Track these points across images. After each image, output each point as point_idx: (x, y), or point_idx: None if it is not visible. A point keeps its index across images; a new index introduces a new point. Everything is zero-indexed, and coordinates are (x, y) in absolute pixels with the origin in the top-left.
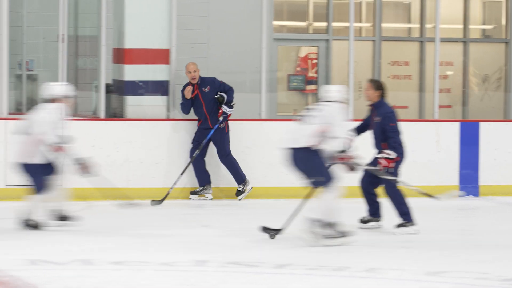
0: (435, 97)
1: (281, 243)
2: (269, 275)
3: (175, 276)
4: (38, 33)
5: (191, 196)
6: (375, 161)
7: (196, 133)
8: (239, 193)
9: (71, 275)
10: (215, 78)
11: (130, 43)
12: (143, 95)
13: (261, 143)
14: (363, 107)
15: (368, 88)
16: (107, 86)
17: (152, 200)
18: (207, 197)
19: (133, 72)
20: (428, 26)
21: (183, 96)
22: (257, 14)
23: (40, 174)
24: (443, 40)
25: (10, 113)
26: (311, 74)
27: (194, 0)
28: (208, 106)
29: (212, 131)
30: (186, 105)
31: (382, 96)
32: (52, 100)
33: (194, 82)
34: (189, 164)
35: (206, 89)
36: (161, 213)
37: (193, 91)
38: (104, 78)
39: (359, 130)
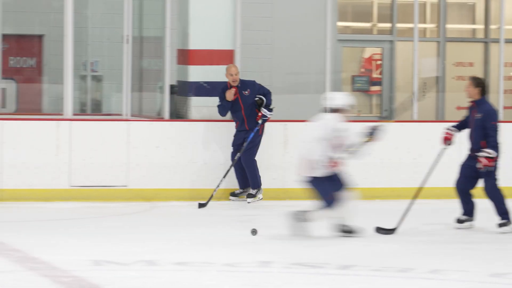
0: (500, 98)
1: (345, 244)
2: (333, 276)
3: (239, 276)
4: (102, 34)
5: (231, 198)
6: (471, 159)
7: (234, 136)
8: (250, 195)
9: (135, 276)
10: (254, 81)
11: (194, 44)
12: (207, 96)
13: None
14: (428, 107)
15: (468, 85)
16: (172, 87)
17: (199, 203)
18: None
19: (197, 73)
20: (492, 27)
21: (221, 97)
22: (322, 15)
23: (326, 187)
24: (508, 41)
25: (74, 114)
26: (375, 75)
27: (258, 1)
28: (246, 109)
29: (252, 134)
30: (226, 107)
31: (483, 93)
32: (334, 110)
33: (235, 84)
34: (230, 167)
35: (246, 92)
36: (220, 213)
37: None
38: (169, 79)
39: (460, 127)
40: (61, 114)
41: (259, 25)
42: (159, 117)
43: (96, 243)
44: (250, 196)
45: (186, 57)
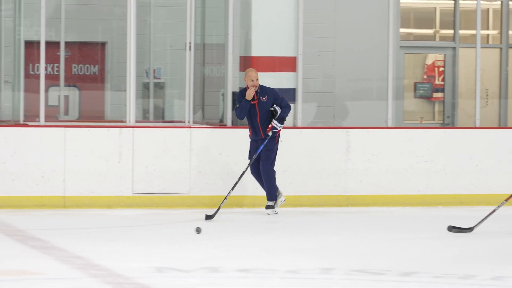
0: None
1: (407, 250)
2: (395, 283)
3: (301, 283)
4: (165, 41)
5: (268, 212)
6: None
7: (250, 147)
8: (269, 207)
9: (197, 283)
10: (275, 90)
11: (257, 51)
12: None
13: (387, 151)
14: (490, 114)
15: None
16: (234, 94)
17: (206, 215)
18: (281, 201)
19: (260, 80)
20: None
21: (239, 99)
22: (384, 21)
23: None
24: None
25: (137, 121)
26: (438, 81)
27: (320, 8)
28: (262, 116)
29: (262, 146)
30: (245, 108)
31: None
32: None
33: (255, 89)
34: (240, 178)
35: (264, 98)
36: (282, 220)
37: (252, 99)
38: (231, 86)
39: None
40: (124, 121)
41: (321, 32)
42: (221, 124)
43: (158, 250)
44: (269, 207)
45: (248, 64)
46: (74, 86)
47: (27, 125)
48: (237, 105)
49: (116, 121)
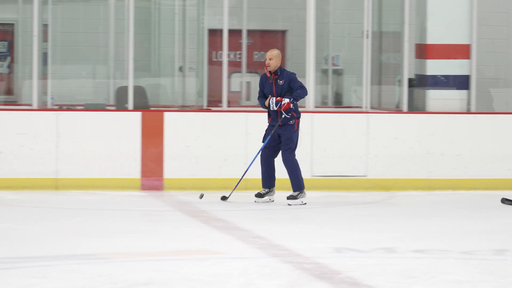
0: None
1: None
2: None
3: (474, 264)
4: (343, 29)
5: (256, 200)
6: None
7: (266, 130)
8: (291, 197)
9: (375, 263)
10: (293, 73)
11: (432, 39)
12: (444, 89)
13: None
14: None
15: None
16: (410, 81)
17: (222, 196)
18: (270, 200)
19: (435, 67)
20: None
21: (261, 83)
22: None
23: None
24: None
25: (316, 106)
26: None
27: None
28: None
29: (271, 132)
30: (261, 102)
31: None
32: None
33: (269, 70)
34: (252, 162)
35: (281, 82)
36: (447, 201)
37: (271, 78)
38: (407, 73)
39: None
40: (303, 107)
41: (495, 20)
42: (397, 110)
43: (337, 231)
44: (291, 197)
45: (424, 51)
46: (256, 72)
47: (210, 110)
48: (259, 89)
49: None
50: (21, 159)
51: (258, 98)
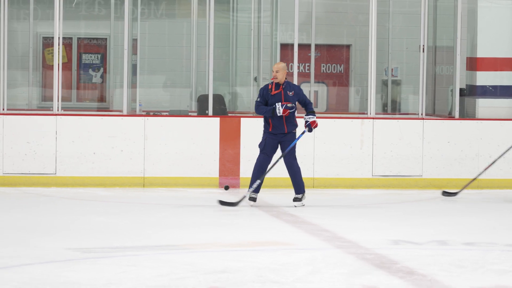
0: None
1: None
2: None
3: None
4: (402, 43)
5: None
6: None
7: (266, 139)
8: (296, 199)
9: (428, 254)
10: (299, 86)
11: (481, 53)
12: (492, 98)
13: None
14: None
15: None
16: (461, 90)
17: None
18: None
19: (484, 78)
20: None
21: (261, 94)
22: None
23: None
24: None
25: (376, 113)
26: None
27: None
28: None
29: (300, 135)
30: (263, 113)
31: None
32: None
33: (276, 81)
34: (269, 170)
35: (291, 93)
36: (494, 200)
37: (276, 89)
38: (459, 83)
39: None
40: (365, 113)
41: None
42: (450, 116)
43: (394, 225)
44: (297, 200)
45: (474, 64)
46: (323, 82)
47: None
48: (258, 99)
49: (359, 113)
50: (112, 159)
51: (258, 107)
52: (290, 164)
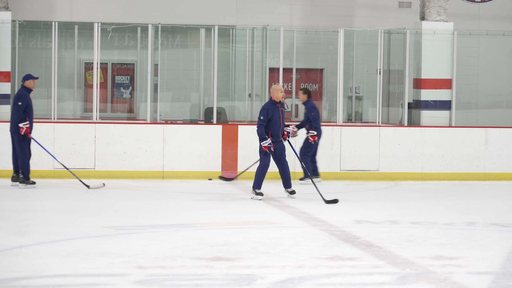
0: None
1: None
2: None
3: (453, 232)
4: (363, 68)
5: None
6: None
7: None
8: (293, 192)
9: (383, 231)
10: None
11: (425, 75)
12: (433, 110)
13: None
14: None
15: None
16: (409, 104)
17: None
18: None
19: (427, 95)
20: None
21: (264, 114)
22: None
23: None
24: None
25: (343, 122)
26: None
27: (467, 45)
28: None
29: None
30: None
31: None
32: None
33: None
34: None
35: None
36: (433, 189)
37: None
38: (407, 98)
39: None
40: (335, 122)
41: (469, 61)
42: (400, 124)
43: (357, 208)
44: (293, 192)
45: (419, 83)
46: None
47: None
48: (262, 118)
49: (330, 122)
50: (138, 157)
51: (262, 127)
52: (285, 164)
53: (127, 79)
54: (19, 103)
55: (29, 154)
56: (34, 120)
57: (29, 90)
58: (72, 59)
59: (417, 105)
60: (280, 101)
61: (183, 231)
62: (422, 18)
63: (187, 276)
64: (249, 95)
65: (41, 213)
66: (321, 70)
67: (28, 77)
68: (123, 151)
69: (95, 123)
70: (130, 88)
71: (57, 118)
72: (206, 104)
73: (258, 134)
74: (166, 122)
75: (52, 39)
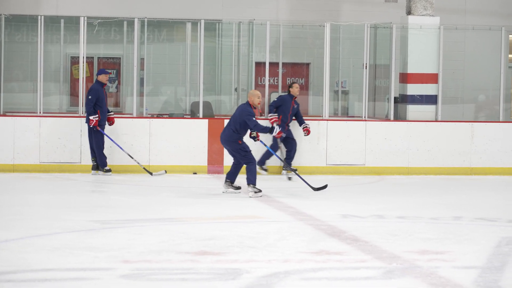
0: None
1: None
2: (503, 228)
3: (439, 226)
4: (349, 62)
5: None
6: None
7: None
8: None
9: (370, 225)
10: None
11: (411, 69)
12: (419, 104)
13: None
14: None
15: None
16: (395, 98)
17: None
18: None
19: (413, 89)
20: None
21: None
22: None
23: None
24: None
25: (330, 116)
26: None
27: (455, 40)
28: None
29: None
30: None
31: None
32: None
33: (260, 106)
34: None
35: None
36: (423, 184)
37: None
38: (393, 93)
39: None
40: (321, 116)
41: (455, 56)
42: (386, 119)
43: (343, 202)
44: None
45: (405, 78)
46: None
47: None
48: (254, 118)
49: (316, 116)
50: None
51: (257, 122)
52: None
53: (113, 73)
54: (89, 97)
55: (102, 145)
56: (20, 114)
57: (102, 84)
58: (58, 53)
59: (403, 99)
60: (255, 107)
61: (169, 225)
62: (409, 12)
63: (173, 270)
64: (235, 89)
65: (27, 207)
66: (308, 64)
67: (101, 71)
68: (109, 145)
69: (81, 117)
70: (116, 82)
71: (43, 112)
72: (192, 98)
73: (262, 129)
74: (152, 116)
75: (38, 33)
